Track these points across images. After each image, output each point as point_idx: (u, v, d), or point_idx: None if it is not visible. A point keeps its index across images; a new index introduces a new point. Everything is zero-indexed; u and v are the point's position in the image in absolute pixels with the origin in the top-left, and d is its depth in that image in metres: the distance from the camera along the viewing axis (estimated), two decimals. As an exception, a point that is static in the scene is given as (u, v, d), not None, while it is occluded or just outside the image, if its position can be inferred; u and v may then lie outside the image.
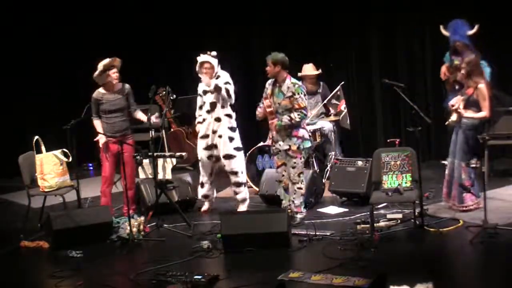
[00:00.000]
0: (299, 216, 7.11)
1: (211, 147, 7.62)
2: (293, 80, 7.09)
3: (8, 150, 9.04)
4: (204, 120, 7.65)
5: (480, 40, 8.84)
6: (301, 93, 6.99)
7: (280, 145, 7.10)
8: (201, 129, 7.68)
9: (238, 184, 7.65)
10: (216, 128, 7.57)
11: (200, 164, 7.81)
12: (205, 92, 7.63)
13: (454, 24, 8.58)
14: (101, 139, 7.47)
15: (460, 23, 8.54)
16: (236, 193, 7.68)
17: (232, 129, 7.61)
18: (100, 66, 7.43)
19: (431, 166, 9.20)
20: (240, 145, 7.69)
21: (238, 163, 7.64)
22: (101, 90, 7.54)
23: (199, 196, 7.92)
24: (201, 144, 7.70)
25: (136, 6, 11.01)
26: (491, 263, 5.85)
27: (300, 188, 7.12)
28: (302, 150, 7.06)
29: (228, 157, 7.58)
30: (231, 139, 7.58)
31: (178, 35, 10.96)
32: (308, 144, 7.13)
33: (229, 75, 7.64)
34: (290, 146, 7.04)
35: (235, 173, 7.62)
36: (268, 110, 7.07)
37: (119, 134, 7.45)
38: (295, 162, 7.06)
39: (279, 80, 7.06)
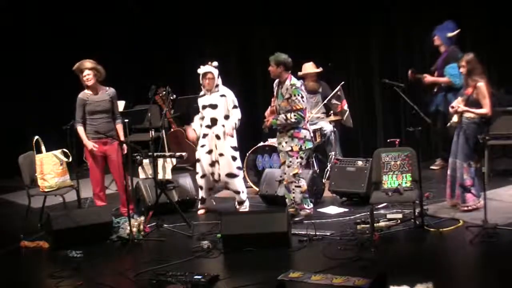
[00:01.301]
0: (302, 213, 7.13)
1: (214, 163, 7.56)
2: (293, 81, 7.05)
3: (8, 150, 9.04)
4: (205, 135, 7.58)
5: (480, 39, 8.88)
6: (298, 95, 6.96)
7: (283, 146, 7.11)
8: (206, 144, 7.57)
9: (241, 202, 7.68)
10: (217, 145, 7.53)
11: (199, 177, 7.70)
12: (204, 107, 7.57)
13: (444, 24, 8.70)
14: (88, 145, 7.43)
15: (450, 24, 8.64)
16: (238, 209, 7.70)
17: (235, 148, 7.57)
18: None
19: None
20: (241, 164, 7.70)
21: (241, 182, 7.65)
22: (86, 91, 7.51)
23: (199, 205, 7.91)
24: (205, 160, 7.58)
25: (136, 6, 11.01)
26: (491, 263, 5.84)
27: (298, 186, 7.12)
28: (303, 151, 7.05)
29: (232, 176, 7.55)
30: (234, 158, 7.55)
31: (178, 35, 10.96)
32: (310, 145, 7.14)
33: (233, 94, 7.60)
34: (292, 147, 7.04)
35: (238, 192, 7.63)
36: (270, 108, 7.12)
37: (105, 135, 7.43)
38: (290, 161, 7.07)
39: (282, 81, 7.06)
